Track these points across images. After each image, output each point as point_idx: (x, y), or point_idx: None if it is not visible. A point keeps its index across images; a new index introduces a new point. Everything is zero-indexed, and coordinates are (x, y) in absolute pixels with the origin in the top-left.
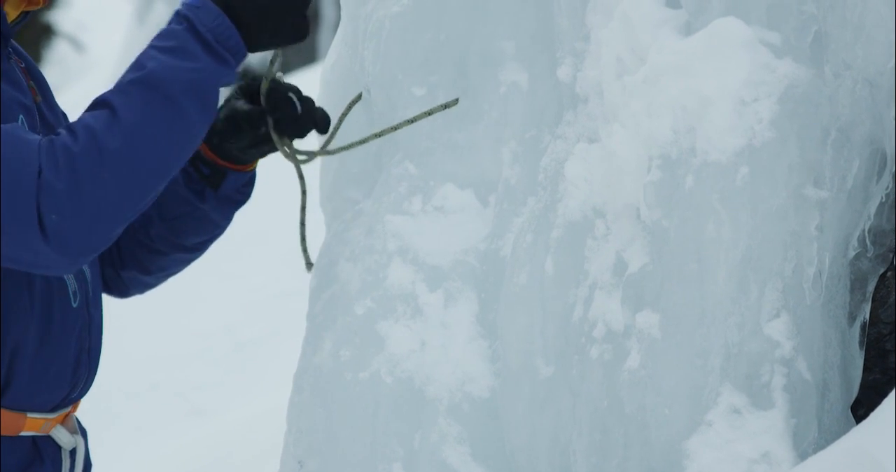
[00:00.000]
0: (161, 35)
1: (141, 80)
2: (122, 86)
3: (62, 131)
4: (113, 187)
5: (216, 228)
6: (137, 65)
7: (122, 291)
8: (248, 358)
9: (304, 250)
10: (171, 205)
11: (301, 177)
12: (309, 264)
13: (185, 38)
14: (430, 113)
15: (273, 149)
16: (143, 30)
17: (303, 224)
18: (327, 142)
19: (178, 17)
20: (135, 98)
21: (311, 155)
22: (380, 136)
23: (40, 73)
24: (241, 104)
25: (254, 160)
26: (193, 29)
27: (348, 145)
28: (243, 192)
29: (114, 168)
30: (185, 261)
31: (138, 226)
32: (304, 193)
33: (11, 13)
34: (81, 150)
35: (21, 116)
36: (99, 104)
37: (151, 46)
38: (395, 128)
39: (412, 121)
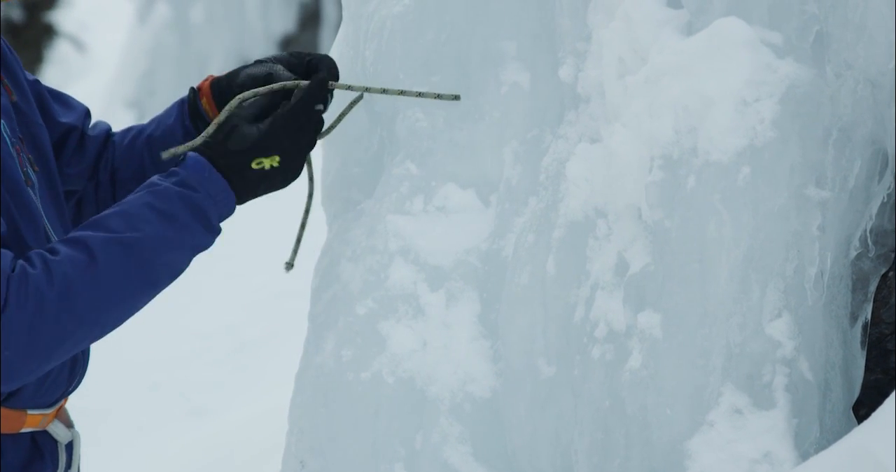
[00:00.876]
0: (161, 194)
1: (129, 244)
2: (111, 242)
3: (37, 264)
4: (71, 336)
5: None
6: (131, 224)
7: None
8: (250, 358)
9: (295, 251)
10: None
11: (311, 179)
12: (290, 265)
13: (183, 208)
14: (428, 95)
15: None
16: (145, 30)
17: (303, 226)
18: (325, 133)
19: (182, 179)
20: (118, 260)
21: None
22: (369, 91)
23: (11, 62)
24: (283, 72)
25: None
26: (193, 199)
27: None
28: None
29: (79, 320)
30: None
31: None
32: (310, 195)
33: None
34: (54, 299)
35: (3, 122)
36: (81, 245)
37: (149, 205)
38: (384, 91)
39: (402, 93)
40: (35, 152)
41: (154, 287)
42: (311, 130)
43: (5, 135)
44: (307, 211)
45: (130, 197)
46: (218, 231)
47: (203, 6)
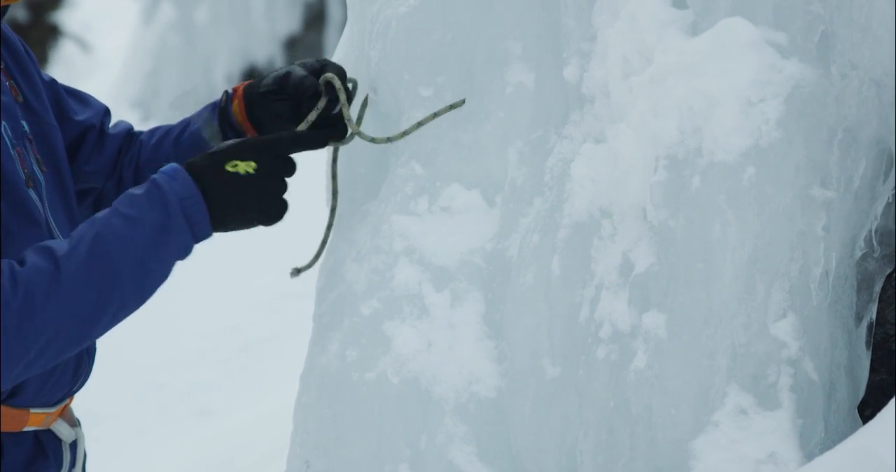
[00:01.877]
0: (127, 198)
1: (92, 248)
2: (74, 248)
3: (5, 272)
4: (33, 346)
5: None
6: (95, 227)
7: None
8: (255, 358)
9: (312, 261)
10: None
11: (335, 194)
12: (297, 271)
13: (148, 210)
14: (437, 115)
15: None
16: (150, 30)
17: (324, 243)
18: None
19: (152, 183)
20: (80, 266)
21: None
22: (391, 140)
23: (25, 62)
24: (308, 78)
25: None
26: (159, 200)
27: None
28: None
29: (41, 331)
30: None
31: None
32: (333, 210)
33: None
34: (17, 307)
35: (4, 123)
36: (47, 252)
37: (115, 210)
38: (405, 133)
39: (420, 124)
40: (45, 153)
41: (124, 287)
42: (290, 166)
43: (5, 136)
44: (329, 226)
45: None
46: (187, 232)
47: (208, 6)
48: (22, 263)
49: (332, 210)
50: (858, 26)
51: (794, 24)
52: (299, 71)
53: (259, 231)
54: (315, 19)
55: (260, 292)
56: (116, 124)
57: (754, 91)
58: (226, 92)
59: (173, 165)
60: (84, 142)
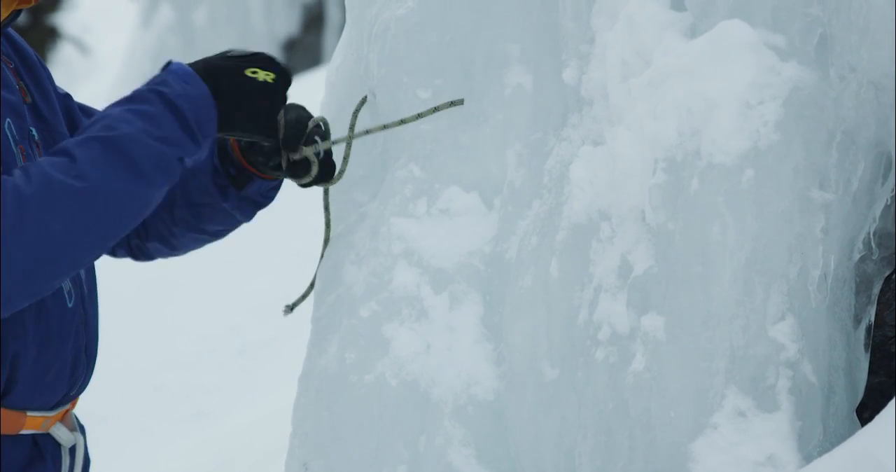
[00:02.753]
0: (138, 97)
1: (107, 138)
2: (87, 140)
3: (15, 171)
4: (57, 237)
5: (236, 222)
6: (107, 124)
7: (147, 257)
8: (253, 360)
9: (303, 296)
10: (196, 193)
11: (328, 225)
12: (290, 308)
13: (163, 108)
14: (433, 111)
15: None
16: (148, 32)
17: (322, 257)
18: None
19: (163, 83)
20: (97, 155)
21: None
22: (387, 127)
23: (38, 71)
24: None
25: (280, 176)
26: (173, 102)
27: (351, 136)
28: (267, 196)
29: (63, 217)
30: (205, 241)
31: (164, 204)
32: (326, 241)
33: (4, 12)
34: (33, 194)
35: (8, 120)
36: (60, 152)
37: (126, 108)
38: (402, 121)
39: (419, 116)
40: None
41: (140, 182)
42: (307, 120)
43: (8, 133)
44: (322, 257)
45: (111, 104)
46: (197, 136)
47: (206, 8)
48: (35, 163)
49: (326, 242)
50: (857, 29)
51: (793, 26)
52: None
53: (256, 234)
54: (314, 21)
55: (258, 293)
56: None
57: (753, 93)
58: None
59: (182, 65)
60: None
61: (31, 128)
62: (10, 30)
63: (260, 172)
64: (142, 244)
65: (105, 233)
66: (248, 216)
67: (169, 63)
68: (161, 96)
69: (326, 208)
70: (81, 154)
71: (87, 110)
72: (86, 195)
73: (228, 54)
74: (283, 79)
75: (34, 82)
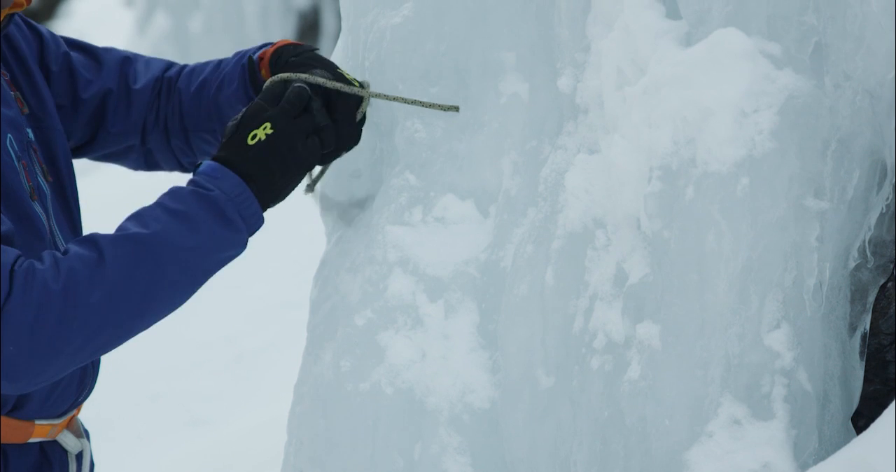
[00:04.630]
0: (173, 195)
1: (140, 239)
2: (120, 239)
3: (46, 260)
4: (78, 335)
5: None
6: (141, 221)
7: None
8: (249, 368)
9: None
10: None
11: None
12: (311, 187)
13: (196, 206)
14: (427, 105)
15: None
16: (144, 39)
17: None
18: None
19: (196, 184)
20: (127, 256)
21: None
22: (375, 96)
23: (31, 78)
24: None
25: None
26: (207, 197)
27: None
28: None
29: (85, 318)
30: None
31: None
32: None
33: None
34: (59, 292)
35: (9, 136)
36: (91, 244)
37: (161, 205)
38: (388, 97)
39: (407, 101)
40: (49, 160)
41: (167, 288)
42: (311, 121)
43: (10, 150)
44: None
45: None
46: (242, 229)
47: (202, 16)
48: (64, 252)
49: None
50: (852, 37)
51: (788, 34)
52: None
53: (252, 243)
54: (309, 29)
55: (254, 301)
56: (148, 69)
57: (748, 102)
58: (251, 59)
59: (208, 163)
60: (106, 108)
61: (28, 130)
62: (11, 29)
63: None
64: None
65: (123, 330)
66: None
67: (200, 163)
68: (197, 196)
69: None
70: (111, 254)
71: (87, 51)
72: (110, 298)
73: (226, 138)
74: (277, 118)
75: (28, 83)
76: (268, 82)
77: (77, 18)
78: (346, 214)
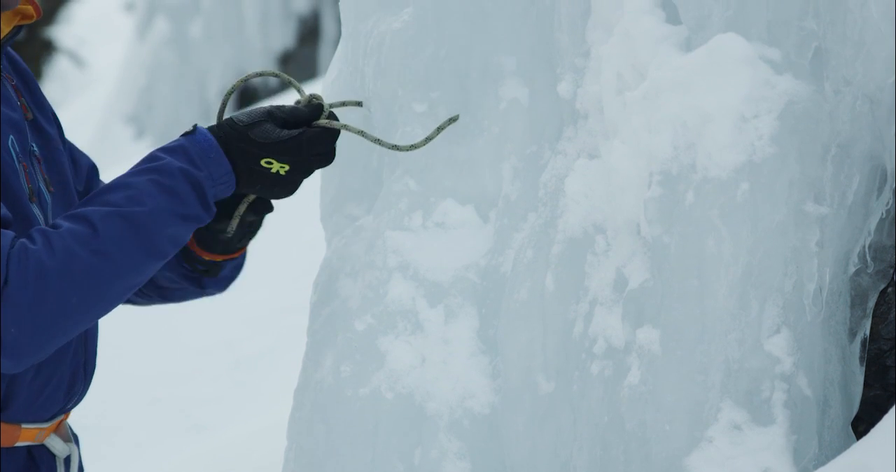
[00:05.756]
0: (165, 171)
1: (130, 215)
2: (111, 214)
3: (37, 239)
4: (77, 307)
5: (210, 294)
6: (131, 196)
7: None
8: (249, 374)
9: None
10: (164, 281)
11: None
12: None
13: (188, 188)
14: (439, 130)
15: (256, 227)
16: (144, 45)
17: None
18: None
19: (188, 158)
20: (119, 232)
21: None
22: (379, 143)
23: (35, 87)
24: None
25: (246, 244)
26: (199, 183)
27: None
28: (239, 268)
29: (82, 290)
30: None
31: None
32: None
33: (4, 28)
34: (55, 267)
35: (11, 137)
36: (82, 220)
37: (151, 179)
38: (413, 147)
39: (413, 147)
40: (54, 175)
41: (156, 258)
42: (325, 161)
43: (11, 150)
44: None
45: (132, 170)
46: (213, 210)
47: (202, 22)
48: (55, 227)
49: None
50: (852, 42)
51: (788, 40)
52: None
53: (251, 248)
54: (309, 35)
55: (254, 307)
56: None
57: (748, 107)
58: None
59: (207, 137)
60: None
61: (32, 144)
62: (8, 47)
63: (227, 252)
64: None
65: (114, 302)
66: (224, 289)
67: (194, 128)
68: (186, 175)
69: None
70: (104, 229)
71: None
72: (106, 271)
73: (250, 135)
74: (297, 167)
75: (33, 98)
76: (332, 123)
77: (77, 24)
78: (347, 218)
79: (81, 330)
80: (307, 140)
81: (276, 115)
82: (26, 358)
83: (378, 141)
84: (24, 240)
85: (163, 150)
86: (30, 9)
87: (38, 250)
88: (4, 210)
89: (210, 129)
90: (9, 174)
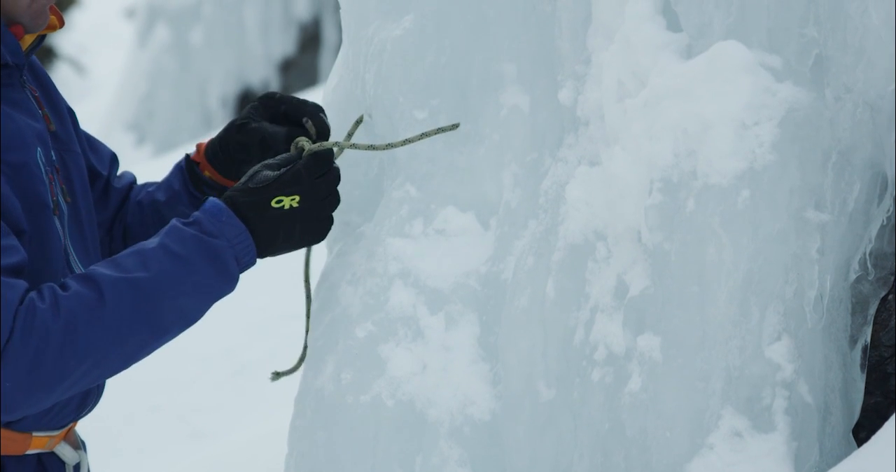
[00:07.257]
0: (176, 236)
1: (139, 283)
2: (121, 281)
3: (47, 298)
4: (72, 373)
5: None
6: (142, 262)
7: None
8: (249, 381)
9: (300, 361)
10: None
11: (307, 281)
12: (276, 374)
13: (196, 251)
14: (426, 135)
15: None
16: (145, 52)
17: (307, 331)
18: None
19: (200, 227)
20: (127, 300)
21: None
22: (392, 147)
23: (52, 88)
24: (271, 127)
25: None
26: (208, 243)
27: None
28: None
29: (81, 358)
30: None
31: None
32: (308, 299)
33: (28, 39)
34: (59, 331)
35: (38, 149)
36: (91, 284)
37: (163, 246)
38: (406, 141)
39: (425, 135)
40: (69, 183)
41: (161, 331)
42: (332, 180)
43: (40, 162)
44: (307, 330)
45: (151, 239)
46: (236, 277)
47: (203, 29)
48: (65, 288)
49: (307, 315)
50: (852, 50)
51: (789, 47)
52: (269, 129)
53: None
54: (310, 42)
55: (255, 313)
56: (121, 177)
57: (749, 114)
58: (187, 157)
59: (215, 202)
60: (92, 189)
61: (52, 152)
62: (34, 57)
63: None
64: None
65: (113, 370)
66: None
67: (205, 199)
68: (198, 242)
69: (307, 281)
70: (111, 298)
71: (86, 137)
72: (106, 341)
73: (251, 185)
74: (307, 195)
75: (52, 107)
76: (313, 147)
77: (78, 31)
78: (347, 226)
79: (79, 391)
80: (303, 166)
81: (268, 163)
82: (19, 412)
83: (353, 146)
84: (34, 296)
85: (181, 220)
86: (53, 19)
87: (45, 311)
88: (20, 254)
89: (217, 196)
90: (38, 187)
